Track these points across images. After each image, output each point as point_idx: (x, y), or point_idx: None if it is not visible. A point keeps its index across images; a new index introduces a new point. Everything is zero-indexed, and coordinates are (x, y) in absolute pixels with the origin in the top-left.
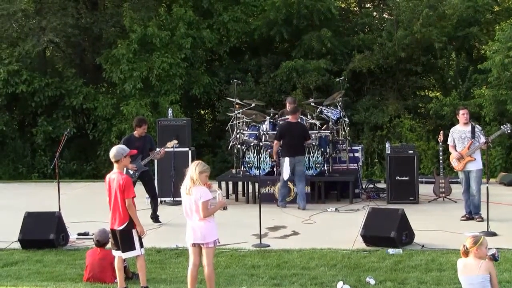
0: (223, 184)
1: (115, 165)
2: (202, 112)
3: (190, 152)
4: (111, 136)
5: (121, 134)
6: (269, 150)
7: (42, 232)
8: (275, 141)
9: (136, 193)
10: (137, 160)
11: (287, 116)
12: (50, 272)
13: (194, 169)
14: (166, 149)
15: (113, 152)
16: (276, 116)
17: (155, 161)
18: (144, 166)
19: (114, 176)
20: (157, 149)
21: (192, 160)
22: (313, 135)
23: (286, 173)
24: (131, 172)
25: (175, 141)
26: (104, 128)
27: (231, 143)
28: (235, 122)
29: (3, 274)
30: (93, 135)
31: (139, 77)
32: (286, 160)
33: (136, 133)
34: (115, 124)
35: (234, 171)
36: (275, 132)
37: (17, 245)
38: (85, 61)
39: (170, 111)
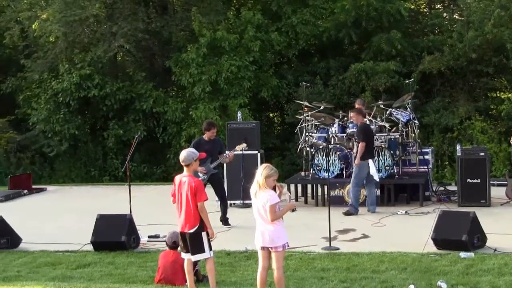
0: (292, 186)
1: (185, 169)
2: (271, 115)
3: (259, 155)
4: (181, 140)
5: (190, 138)
6: (338, 153)
7: (114, 234)
8: (363, 142)
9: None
10: (206, 163)
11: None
12: (121, 274)
13: (260, 173)
14: (235, 152)
15: (183, 155)
16: (345, 118)
17: (224, 164)
18: (213, 169)
19: (185, 179)
20: (226, 153)
21: (261, 163)
22: (382, 138)
23: (376, 174)
24: (201, 175)
25: (244, 144)
26: (173, 132)
27: (300, 146)
28: (304, 124)
29: (76, 276)
30: (162, 138)
31: (208, 80)
32: (371, 162)
33: (205, 136)
34: (184, 128)
35: (303, 173)
36: (343, 134)
37: (90, 247)
38: (154, 65)
39: (239, 114)
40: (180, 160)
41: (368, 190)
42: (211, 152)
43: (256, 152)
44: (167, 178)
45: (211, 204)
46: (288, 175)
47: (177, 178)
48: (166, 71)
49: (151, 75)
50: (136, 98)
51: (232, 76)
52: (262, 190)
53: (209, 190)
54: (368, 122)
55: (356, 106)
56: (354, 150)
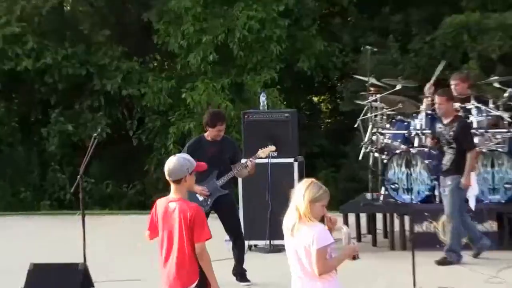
0: (352, 217)
1: (174, 187)
2: (315, 99)
3: (296, 164)
4: (168, 140)
5: (183, 137)
6: (426, 161)
7: None
8: (473, 150)
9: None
10: (210, 178)
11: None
12: None
13: (302, 194)
14: (258, 160)
15: (170, 165)
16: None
17: (239, 179)
18: (221, 188)
19: (174, 205)
20: (243, 161)
21: (300, 178)
22: (499, 136)
23: (473, 198)
24: (201, 198)
25: (272, 147)
26: (156, 127)
27: (363, 150)
28: (369, 115)
29: None
30: (138, 138)
31: (211, 43)
32: (473, 176)
33: (208, 135)
34: (173, 120)
35: (369, 195)
36: (430, 130)
37: None
38: (125, 19)
39: (263, 98)
40: (166, 174)
41: (465, 222)
42: (217, 161)
43: (292, 159)
44: (145, 204)
45: (218, 246)
46: (344, 199)
47: (160, 203)
48: (144, 30)
49: (120, 36)
50: (94, 73)
51: (251, 37)
52: (304, 223)
53: (214, 223)
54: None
55: (454, 84)
56: (446, 160)
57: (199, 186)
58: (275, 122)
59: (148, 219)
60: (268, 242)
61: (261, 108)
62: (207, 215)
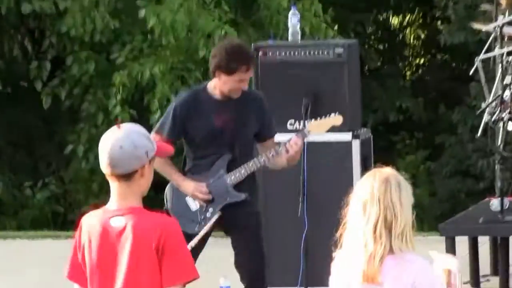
0: (462, 244)
1: (119, 188)
2: (394, 20)
3: (356, 144)
4: (109, 98)
5: (140, 93)
6: None
7: None
8: None
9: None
10: (215, 170)
11: None
12: None
13: (390, 201)
14: (310, 139)
15: (113, 146)
16: None
17: (262, 173)
18: (234, 190)
19: (120, 222)
20: (282, 141)
21: (365, 170)
22: None
23: None
24: (194, 206)
25: (336, 118)
26: (86, 74)
27: (485, 118)
28: (498, 51)
29: None
30: (52, 94)
31: None
32: None
33: (216, 86)
34: (120, 61)
35: (496, 203)
36: None
37: None
38: None
39: (294, 19)
40: (105, 164)
41: None
42: (231, 137)
43: (349, 135)
44: (66, 218)
45: None
46: (448, 210)
47: (92, 221)
48: None
49: None
50: None
51: None
52: (397, 257)
53: (210, 251)
54: None
55: None
56: None
57: (191, 181)
58: (317, 65)
59: (71, 250)
60: None
61: (289, 37)
62: (206, 237)
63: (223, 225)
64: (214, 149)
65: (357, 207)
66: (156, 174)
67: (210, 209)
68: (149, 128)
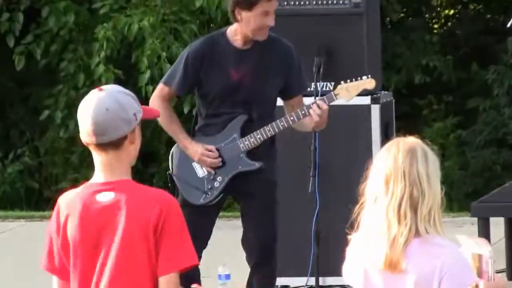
0: (498, 226)
1: (104, 159)
2: None
3: (376, 109)
4: (92, 56)
5: (127, 49)
6: None
7: None
8: None
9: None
10: (228, 132)
11: None
12: None
13: (417, 174)
14: (338, 103)
15: (98, 110)
16: None
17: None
18: (248, 157)
19: (108, 197)
20: (308, 104)
21: (386, 139)
22: None
23: None
24: (201, 172)
25: (369, 82)
26: (64, 27)
27: None
28: None
29: None
30: (27, 52)
31: None
32: None
33: (236, 31)
34: (104, 12)
35: None
36: None
37: None
38: None
39: None
40: (89, 130)
41: None
42: (249, 94)
43: (368, 99)
44: (42, 195)
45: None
46: (482, 187)
47: (73, 200)
48: None
49: None
50: None
51: None
52: (424, 241)
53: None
54: None
55: None
56: None
57: (199, 144)
58: (331, 17)
59: (46, 236)
60: (312, 281)
61: None
62: (213, 208)
63: (232, 191)
64: (229, 107)
65: (378, 182)
66: (144, 145)
67: (219, 178)
68: (137, 92)
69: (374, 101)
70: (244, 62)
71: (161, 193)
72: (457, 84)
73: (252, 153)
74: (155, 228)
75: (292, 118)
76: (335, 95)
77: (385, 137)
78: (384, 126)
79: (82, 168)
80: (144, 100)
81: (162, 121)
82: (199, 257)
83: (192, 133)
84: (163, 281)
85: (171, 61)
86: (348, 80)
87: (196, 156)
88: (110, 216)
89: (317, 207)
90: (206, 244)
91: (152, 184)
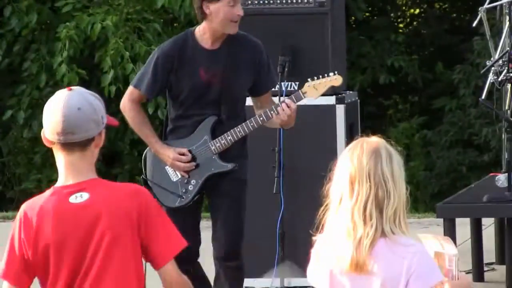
0: (463, 227)
1: (71, 159)
2: None
3: (341, 109)
4: (55, 55)
5: (90, 50)
6: None
7: None
8: None
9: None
10: (199, 134)
11: None
12: None
13: (382, 174)
14: (305, 102)
15: (68, 109)
16: None
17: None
18: (220, 159)
19: (81, 198)
20: (283, 101)
21: (350, 140)
22: None
23: None
24: (174, 176)
25: (335, 78)
26: (25, 24)
27: (491, 77)
28: (509, 9)
29: None
30: None
31: None
32: None
33: (205, 29)
34: (66, 11)
35: (502, 178)
36: None
37: None
38: None
39: None
40: (59, 129)
41: None
42: (219, 94)
43: (333, 99)
44: (3, 198)
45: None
46: (446, 187)
47: (37, 205)
48: None
49: None
50: None
51: None
52: (390, 241)
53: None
54: None
55: None
56: None
57: (170, 148)
58: (296, 16)
59: (8, 242)
60: (277, 282)
61: None
62: (192, 207)
63: (205, 190)
64: (199, 108)
65: (343, 183)
66: (107, 145)
67: (193, 181)
68: (100, 92)
69: (339, 101)
70: (214, 62)
71: (133, 187)
72: (422, 84)
73: (224, 154)
74: (139, 221)
75: (261, 118)
76: (303, 93)
77: (350, 137)
78: (349, 126)
79: (45, 168)
80: (107, 99)
81: (133, 124)
82: (197, 255)
83: (163, 136)
84: (164, 271)
85: (134, 60)
86: (315, 78)
87: (168, 161)
88: (90, 216)
89: (282, 208)
90: (199, 242)
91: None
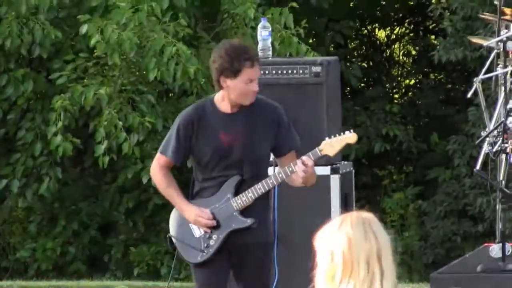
0: None
1: None
2: (381, 33)
3: (336, 179)
4: (54, 125)
5: (85, 120)
6: None
7: None
8: None
9: None
10: (221, 193)
11: None
12: None
13: (370, 253)
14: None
15: None
16: None
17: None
18: (241, 215)
19: None
20: (300, 159)
21: (345, 208)
22: None
23: None
24: (198, 233)
25: (351, 136)
26: (18, 95)
27: (485, 148)
28: (500, 71)
29: None
30: None
31: None
32: None
33: (223, 97)
34: (60, 82)
35: (496, 249)
36: None
37: None
38: None
39: (264, 33)
40: None
41: None
42: (241, 155)
43: (328, 169)
44: None
45: None
46: (441, 258)
47: None
48: None
49: None
50: None
51: None
52: None
53: None
54: None
55: None
56: None
57: (194, 206)
58: (292, 86)
59: None
60: None
61: (259, 53)
62: (220, 263)
63: (228, 256)
64: (222, 170)
65: (336, 263)
66: (103, 215)
67: (214, 236)
68: (96, 162)
69: (334, 171)
70: (233, 125)
71: None
72: (417, 154)
73: (245, 212)
74: None
75: (280, 175)
76: (320, 150)
77: (345, 208)
78: (343, 196)
79: (40, 237)
80: (103, 169)
81: (160, 187)
82: None
83: (190, 197)
84: None
85: (128, 131)
86: (332, 136)
87: (191, 218)
88: None
89: (276, 278)
90: None
91: (111, 255)
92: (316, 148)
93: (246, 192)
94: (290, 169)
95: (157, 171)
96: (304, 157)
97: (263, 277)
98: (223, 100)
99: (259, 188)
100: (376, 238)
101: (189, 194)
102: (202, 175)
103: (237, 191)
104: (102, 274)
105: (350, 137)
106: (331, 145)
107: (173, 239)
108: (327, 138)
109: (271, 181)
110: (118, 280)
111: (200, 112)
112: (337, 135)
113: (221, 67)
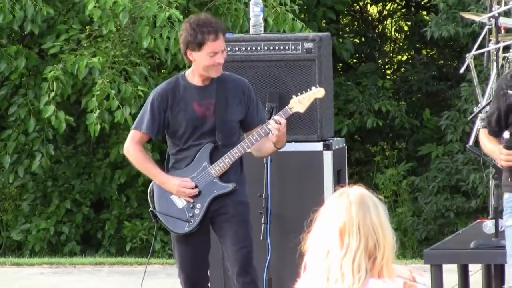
0: (450, 274)
1: None
2: (373, 8)
3: (328, 155)
4: (39, 96)
5: (78, 91)
6: None
7: None
8: None
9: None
10: (198, 162)
11: None
12: None
13: (364, 224)
14: (291, 149)
15: None
16: None
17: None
18: (220, 180)
19: None
20: (272, 118)
21: (338, 184)
22: None
23: None
24: (180, 203)
25: (318, 91)
26: (8, 66)
27: (477, 125)
28: (492, 47)
29: None
30: None
31: None
32: None
33: (193, 72)
34: (51, 52)
35: (489, 225)
36: None
37: None
38: None
39: (256, 9)
40: None
41: None
42: (213, 125)
43: (320, 145)
44: None
45: None
46: (434, 234)
47: None
48: None
49: None
50: None
51: None
52: (379, 281)
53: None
54: None
55: None
56: None
57: (174, 178)
58: (283, 62)
59: None
60: None
61: (251, 30)
62: (200, 232)
63: (211, 215)
64: (196, 139)
65: (331, 236)
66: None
67: (198, 205)
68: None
69: (327, 147)
70: (205, 96)
71: None
72: (410, 130)
73: (224, 177)
74: None
75: (254, 137)
76: (289, 108)
77: (338, 184)
78: (336, 172)
79: (33, 215)
80: (95, 138)
81: (136, 162)
82: (207, 278)
83: (165, 170)
84: None
85: (121, 102)
86: (299, 93)
87: (173, 189)
88: None
89: (269, 255)
90: (208, 265)
91: (104, 231)
92: (286, 106)
93: (223, 158)
94: (264, 130)
95: (132, 148)
96: (276, 116)
97: (249, 231)
98: (193, 74)
99: (235, 153)
100: (370, 214)
101: (165, 169)
102: (177, 147)
103: (212, 159)
104: (96, 251)
105: (317, 91)
106: (300, 102)
107: (157, 214)
108: (294, 96)
109: (246, 144)
110: (112, 256)
111: (173, 86)
112: (303, 92)
113: (185, 40)
